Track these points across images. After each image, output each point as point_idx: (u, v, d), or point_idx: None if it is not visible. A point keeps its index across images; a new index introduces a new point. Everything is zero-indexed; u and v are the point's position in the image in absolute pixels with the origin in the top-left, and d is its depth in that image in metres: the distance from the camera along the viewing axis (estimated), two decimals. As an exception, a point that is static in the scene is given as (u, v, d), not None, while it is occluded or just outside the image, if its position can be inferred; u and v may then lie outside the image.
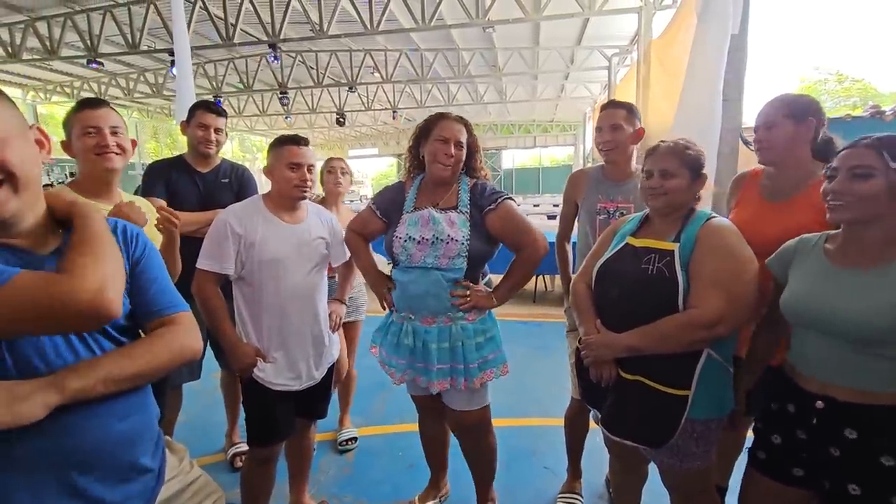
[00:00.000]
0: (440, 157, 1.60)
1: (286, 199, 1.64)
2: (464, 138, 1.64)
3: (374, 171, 35.13)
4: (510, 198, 1.66)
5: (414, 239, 1.59)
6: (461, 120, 1.68)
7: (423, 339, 1.61)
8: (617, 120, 1.85)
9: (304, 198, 1.65)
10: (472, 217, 1.61)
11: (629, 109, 1.87)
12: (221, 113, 2.11)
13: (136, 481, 0.94)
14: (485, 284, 1.75)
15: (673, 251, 1.28)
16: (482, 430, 1.77)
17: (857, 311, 1.04)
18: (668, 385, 1.25)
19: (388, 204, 1.71)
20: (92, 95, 12.76)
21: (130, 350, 0.90)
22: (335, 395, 2.36)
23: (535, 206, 11.57)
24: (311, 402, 1.75)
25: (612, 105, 1.93)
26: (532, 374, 3.33)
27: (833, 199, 1.09)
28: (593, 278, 1.43)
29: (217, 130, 2.09)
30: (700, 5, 3.04)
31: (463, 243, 1.57)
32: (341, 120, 15.30)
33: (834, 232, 1.18)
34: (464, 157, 1.66)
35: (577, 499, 2.00)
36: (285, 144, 1.62)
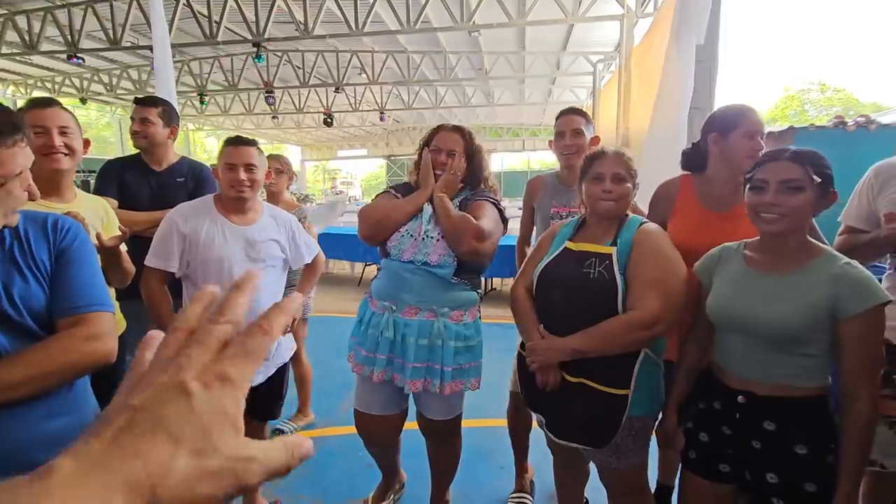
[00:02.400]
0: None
1: (228, 200, 1.64)
2: (458, 147, 1.67)
3: (364, 172, 35.06)
4: (493, 201, 1.68)
5: (411, 236, 1.62)
6: (458, 130, 1.72)
7: (402, 333, 1.59)
8: (578, 125, 1.91)
9: (242, 198, 1.62)
10: None
11: (586, 117, 1.94)
12: (149, 103, 2.07)
13: None
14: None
15: (611, 255, 1.32)
16: (451, 437, 1.78)
17: (775, 314, 1.10)
18: (610, 385, 1.28)
19: (405, 191, 1.75)
20: (73, 91, 12.58)
21: (16, 357, 0.85)
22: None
23: (519, 209, 11.58)
24: (262, 403, 1.75)
25: (570, 112, 1.98)
26: (496, 375, 3.33)
27: (766, 211, 1.11)
28: (534, 283, 1.44)
29: (143, 121, 2.02)
30: (674, 17, 3.09)
31: None
32: (329, 120, 15.24)
33: (752, 240, 1.23)
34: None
35: (526, 498, 2.03)
36: (226, 145, 1.64)
